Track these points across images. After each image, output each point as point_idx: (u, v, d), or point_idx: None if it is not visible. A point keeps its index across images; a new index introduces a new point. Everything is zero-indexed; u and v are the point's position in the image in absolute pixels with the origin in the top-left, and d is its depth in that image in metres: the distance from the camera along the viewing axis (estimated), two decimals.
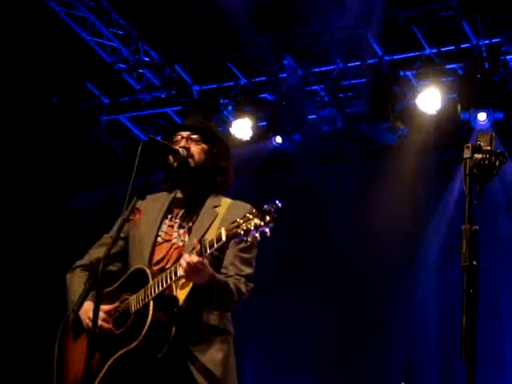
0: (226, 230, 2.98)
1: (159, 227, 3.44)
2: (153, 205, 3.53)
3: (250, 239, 2.95)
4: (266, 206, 2.91)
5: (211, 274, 3.13)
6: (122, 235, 3.49)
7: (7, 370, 7.90)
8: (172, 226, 3.43)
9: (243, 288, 3.26)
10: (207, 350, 3.24)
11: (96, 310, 3.01)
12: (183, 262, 3.07)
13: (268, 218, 2.90)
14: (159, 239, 3.42)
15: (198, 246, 3.08)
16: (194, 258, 3.05)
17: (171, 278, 3.13)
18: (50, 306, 8.13)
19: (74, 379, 3.31)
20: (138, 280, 3.27)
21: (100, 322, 3.22)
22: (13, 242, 8.26)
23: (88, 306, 3.25)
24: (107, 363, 3.20)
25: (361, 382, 7.60)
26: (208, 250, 3.05)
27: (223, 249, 3.30)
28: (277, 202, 2.95)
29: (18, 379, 7.87)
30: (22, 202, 8.34)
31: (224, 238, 2.99)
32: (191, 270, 3.05)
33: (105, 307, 3.28)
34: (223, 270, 3.31)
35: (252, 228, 2.91)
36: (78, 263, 3.59)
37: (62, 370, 3.43)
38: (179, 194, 3.54)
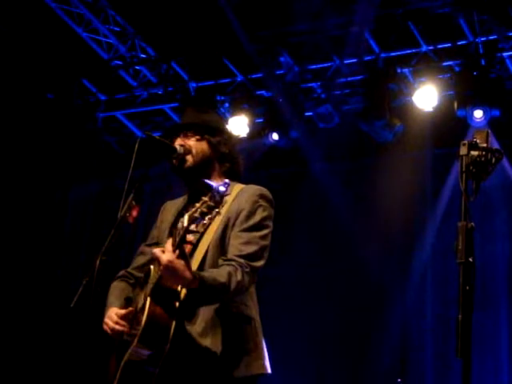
0: (188, 216, 2.97)
1: (174, 226, 3.42)
2: (172, 208, 3.57)
3: (205, 222, 2.96)
4: (214, 187, 2.93)
5: (189, 278, 3.00)
6: (153, 241, 3.54)
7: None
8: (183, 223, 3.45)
9: (239, 276, 3.12)
10: (212, 336, 3.19)
11: (92, 308, 3.02)
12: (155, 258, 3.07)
13: (218, 198, 2.92)
14: None
15: (171, 238, 3.06)
16: (166, 257, 2.99)
17: (158, 273, 3.12)
18: (45, 299, 8.16)
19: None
20: (146, 279, 3.29)
21: (111, 325, 3.26)
22: (10, 237, 8.25)
23: (110, 312, 3.30)
24: (121, 364, 3.20)
25: (357, 380, 7.61)
26: (177, 239, 3.00)
27: (226, 232, 3.27)
28: (226, 180, 3.01)
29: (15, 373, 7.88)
30: (18, 196, 8.33)
31: (185, 224, 2.97)
32: (164, 269, 2.99)
33: (120, 311, 3.30)
34: (226, 254, 3.27)
35: (206, 210, 2.93)
36: (120, 273, 3.60)
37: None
38: (192, 192, 3.53)
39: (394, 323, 7.50)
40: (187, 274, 2.97)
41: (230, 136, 3.62)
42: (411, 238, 7.64)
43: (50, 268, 8.54)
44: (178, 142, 3.47)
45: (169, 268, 2.96)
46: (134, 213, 3.45)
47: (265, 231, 3.30)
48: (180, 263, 2.97)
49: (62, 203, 8.96)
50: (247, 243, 3.23)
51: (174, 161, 3.44)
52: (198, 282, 3.01)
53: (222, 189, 2.93)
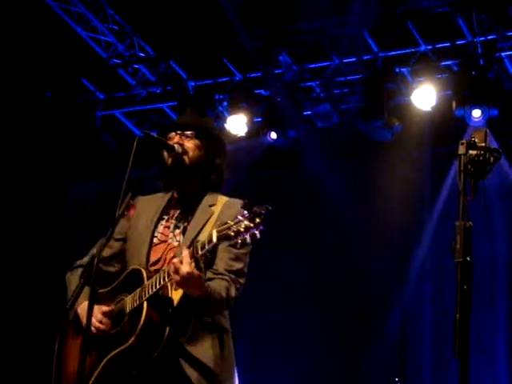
0: (217, 232, 2.96)
1: (155, 228, 3.43)
2: (149, 206, 3.52)
3: (240, 241, 2.93)
4: (255, 209, 2.90)
5: (203, 290, 3.10)
6: (120, 236, 3.50)
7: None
8: (168, 227, 3.41)
9: (233, 292, 3.23)
10: (201, 345, 3.23)
11: (90, 307, 3.01)
12: (172, 267, 3.05)
13: (258, 220, 2.89)
14: (155, 240, 3.40)
15: (190, 248, 3.07)
16: (185, 269, 3.02)
17: (164, 279, 3.12)
18: (46, 298, 8.16)
19: (72, 376, 3.31)
20: (134, 280, 3.26)
21: (97, 324, 3.24)
22: (10, 236, 8.25)
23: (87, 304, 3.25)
24: (102, 363, 3.20)
25: (356, 380, 7.61)
26: (199, 252, 3.03)
27: (215, 248, 3.26)
28: (267, 205, 2.95)
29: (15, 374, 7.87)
30: (17, 195, 8.33)
31: (215, 240, 2.96)
32: (182, 279, 3.03)
33: (103, 308, 3.29)
34: (214, 266, 3.29)
35: (242, 230, 2.89)
36: (78, 263, 3.56)
37: (61, 367, 3.42)
38: (175, 194, 3.51)
39: (393, 323, 7.50)
40: (203, 287, 3.08)
41: (224, 146, 3.59)
42: (410, 237, 7.63)
43: (50, 268, 8.52)
44: (175, 140, 3.44)
45: (186, 279, 3.02)
46: (132, 212, 3.45)
47: (248, 249, 3.35)
48: (199, 276, 3.05)
49: (61, 201, 8.95)
50: (236, 259, 3.30)
51: (170, 159, 3.41)
52: (209, 295, 3.11)
53: (263, 212, 2.91)
